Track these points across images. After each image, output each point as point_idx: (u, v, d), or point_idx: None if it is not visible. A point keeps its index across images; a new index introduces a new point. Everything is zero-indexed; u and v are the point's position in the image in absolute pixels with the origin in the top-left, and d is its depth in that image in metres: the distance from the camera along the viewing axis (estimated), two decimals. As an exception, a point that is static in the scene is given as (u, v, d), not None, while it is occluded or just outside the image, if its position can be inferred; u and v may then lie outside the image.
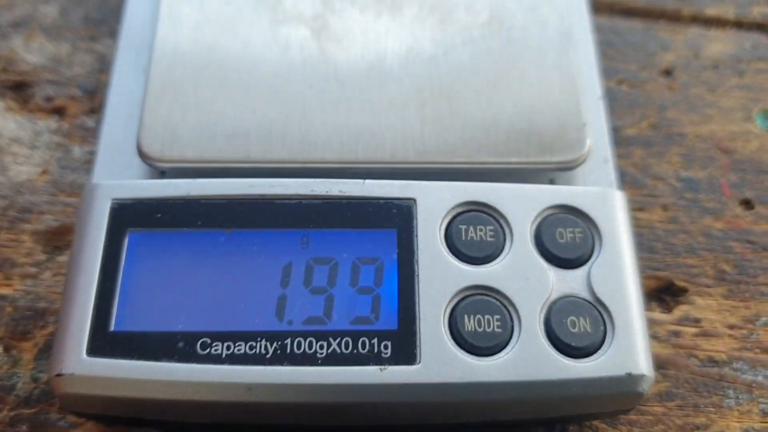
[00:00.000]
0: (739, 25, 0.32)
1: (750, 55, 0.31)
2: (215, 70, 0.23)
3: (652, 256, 0.26)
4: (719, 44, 0.31)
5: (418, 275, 0.20)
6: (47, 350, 0.23)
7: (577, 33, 0.26)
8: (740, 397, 0.23)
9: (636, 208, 0.26)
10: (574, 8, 0.27)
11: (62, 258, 0.24)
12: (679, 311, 0.25)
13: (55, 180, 0.26)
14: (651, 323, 0.24)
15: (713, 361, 0.24)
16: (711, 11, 0.32)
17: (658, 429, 0.23)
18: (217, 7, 0.24)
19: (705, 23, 0.31)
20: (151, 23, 0.26)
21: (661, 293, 0.25)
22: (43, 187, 0.26)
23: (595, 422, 0.23)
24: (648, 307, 0.25)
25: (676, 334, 0.24)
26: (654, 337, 0.24)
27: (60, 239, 0.25)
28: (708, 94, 0.29)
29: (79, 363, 0.19)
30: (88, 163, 0.26)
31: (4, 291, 0.24)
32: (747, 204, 0.27)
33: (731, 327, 0.25)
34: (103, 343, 0.19)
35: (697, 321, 0.25)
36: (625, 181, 0.27)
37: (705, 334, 0.24)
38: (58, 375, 0.19)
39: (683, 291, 0.25)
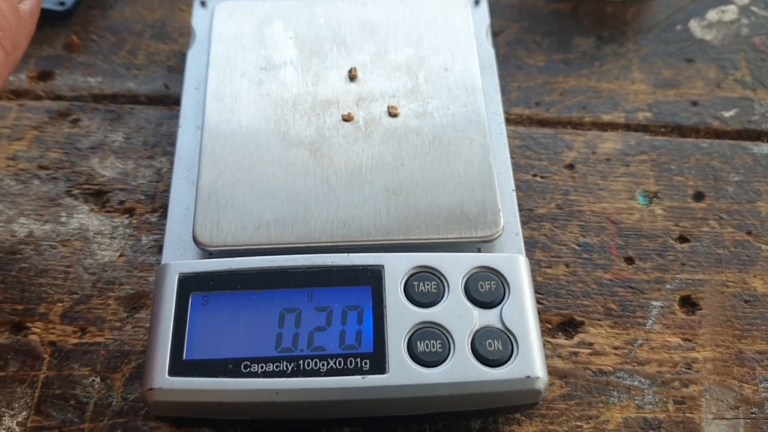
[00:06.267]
0: (627, 127, 0.43)
1: (634, 150, 0.41)
2: (245, 182, 0.34)
3: (557, 299, 0.36)
4: (611, 143, 0.42)
5: (386, 316, 0.30)
6: (132, 379, 0.32)
7: (497, 145, 0.37)
8: (621, 396, 0.33)
9: (546, 266, 0.37)
10: (495, 126, 0.38)
11: (138, 315, 0.34)
12: (578, 338, 0.35)
13: (130, 260, 0.36)
14: (556, 347, 0.34)
15: (602, 372, 0.34)
16: (606, 117, 0.43)
17: (563, 419, 0.32)
18: (243, 140, 0.35)
19: (601, 127, 0.42)
20: (195, 148, 0.36)
21: (565, 326, 0.35)
22: (121, 266, 0.36)
23: (516, 415, 0.32)
24: (555, 336, 0.35)
25: (575, 354, 0.34)
26: (558, 356, 0.34)
27: (136, 302, 0.35)
28: (601, 181, 0.40)
29: (163, 380, 0.28)
30: (153, 248, 0.37)
31: (99, 339, 0.34)
32: (629, 260, 0.37)
33: (615, 348, 0.34)
34: (179, 367, 0.29)
35: (590, 344, 0.34)
36: (538, 247, 0.37)
37: (596, 353, 0.34)
38: (150, 389, 0.28)
39: (581, 323, 0.35)
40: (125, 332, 0.34)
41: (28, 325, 0.34)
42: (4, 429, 0.31)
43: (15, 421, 0.31)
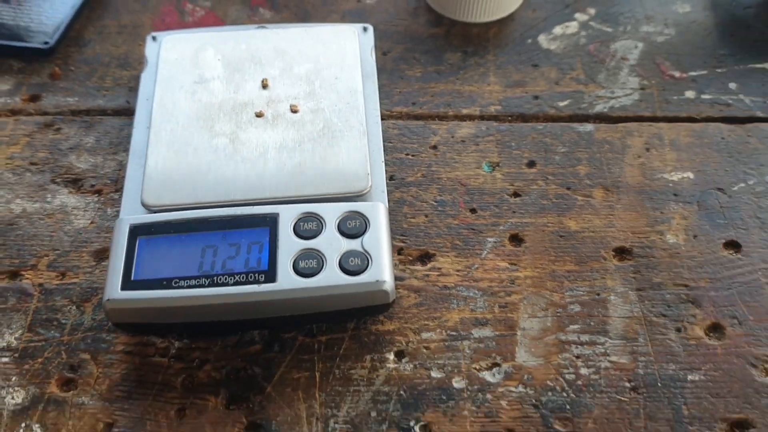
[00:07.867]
0: (481, 117, 0.55)
1: (484, 133, 0.54)
2: (180, 163, 0.46)
3: (417, 239, 0.48)
4: (467, 129, 0.54)
5: (278, 247, 0.42)
6: (98, 306, 0.44)
7: (373, 131, 0.49)
8: (459, 303, 0.45)
9: (411, 217, 0.49)
10: (372, 118, 0.50)
11: (104, 263, 0.46)
12: (430, 265, 0.47)
13: (98, 226, 0.48)
14: (414, 271, 0.46)
15: (447, 287, 0.46)
16: (465, 111, 0.56)
17: (415, 320, 0.44)
18: (180, 134, 0.48)
19: (461, 118, 0.55)
20: (145, 142, 0.49)
21: (422, 257, 0.47)
22: (92, 230, 0.48)
23: (381, 317, 0.44)
24: (414, 264, 0.47)
25: (427, 275, 0.46)
26: (415, 277, 0.46)
27: (102, 254, 0.47)
28: (457, 156, 0.52)
29: (117, 293, 0.40)
30: (115, 217, 0.49)
31: (75, 280, 0.45)
32: (473, 210, 0.49)
33: (458, 270, 0.46)
34: (128, 284, 0.41)
35: (439, 269, 0.46)
36: (406, 204, 0.49)
37: (443, 275, 0.46)
38: (108, 300, 0.40)
39: (433, 255, 0.47)
40: (94, 275, 0.46)
41: (23, 273, 0.46)
42: (5, 342, 0.43)
43: (13, 337, 0.43)
